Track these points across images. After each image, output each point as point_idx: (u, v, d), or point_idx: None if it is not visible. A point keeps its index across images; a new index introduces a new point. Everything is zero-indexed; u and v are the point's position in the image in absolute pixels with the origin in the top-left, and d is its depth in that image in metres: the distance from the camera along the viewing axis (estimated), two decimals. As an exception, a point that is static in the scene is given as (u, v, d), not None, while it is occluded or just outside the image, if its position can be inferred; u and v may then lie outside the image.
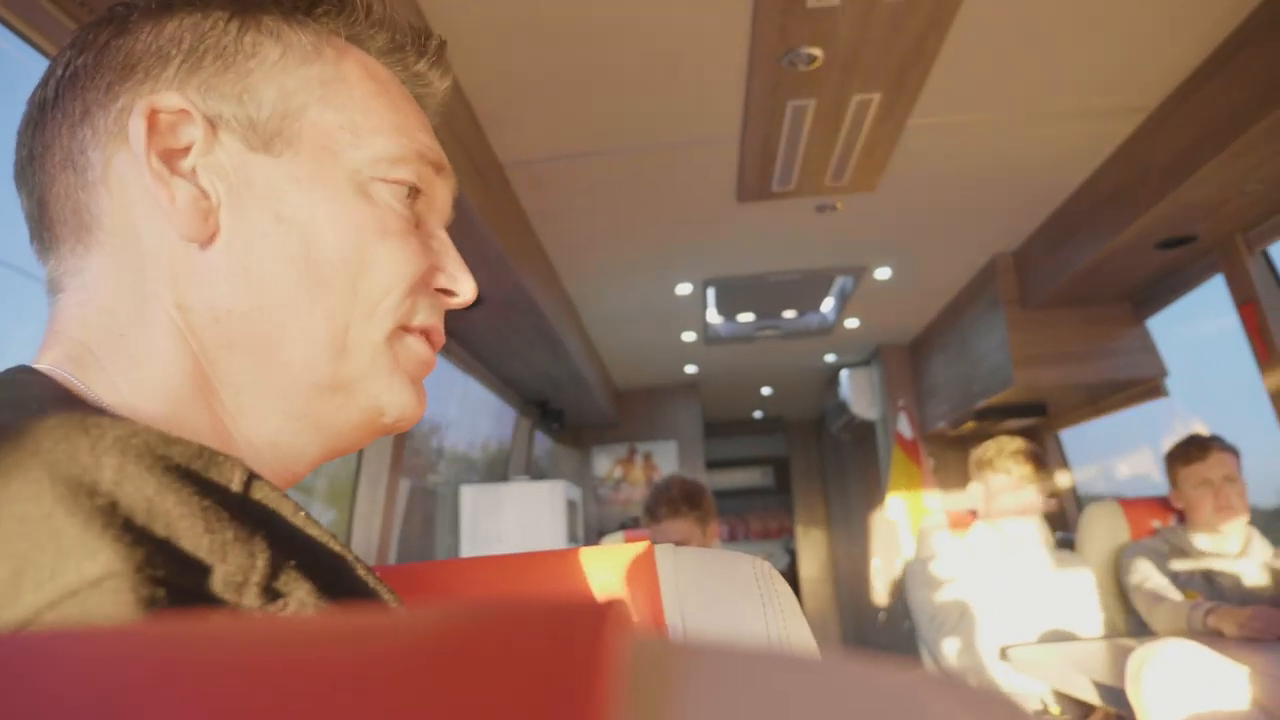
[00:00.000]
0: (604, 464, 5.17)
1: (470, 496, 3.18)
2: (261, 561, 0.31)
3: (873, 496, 5.16)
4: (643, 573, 0.53)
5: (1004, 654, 1.99)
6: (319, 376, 0.44)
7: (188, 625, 0.14)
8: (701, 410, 5.29)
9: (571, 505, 3.46)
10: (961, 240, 3.02)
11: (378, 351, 0.46)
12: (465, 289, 0.52)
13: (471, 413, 3.87)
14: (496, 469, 4.08)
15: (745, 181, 2.43)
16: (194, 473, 0.32)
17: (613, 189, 2.46)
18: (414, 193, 0.49)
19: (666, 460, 5.16)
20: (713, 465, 6.32)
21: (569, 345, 3.30)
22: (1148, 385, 3.13)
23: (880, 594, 5.26)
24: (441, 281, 0.51)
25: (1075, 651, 1.99)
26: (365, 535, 2.34)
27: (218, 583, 0.30)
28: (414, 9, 1.56)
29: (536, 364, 3.46)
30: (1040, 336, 3.07)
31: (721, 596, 0.52)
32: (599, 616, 0.13)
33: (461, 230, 2.01)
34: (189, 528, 0.30)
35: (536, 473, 4.32)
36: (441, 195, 0.53)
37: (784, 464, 7.37)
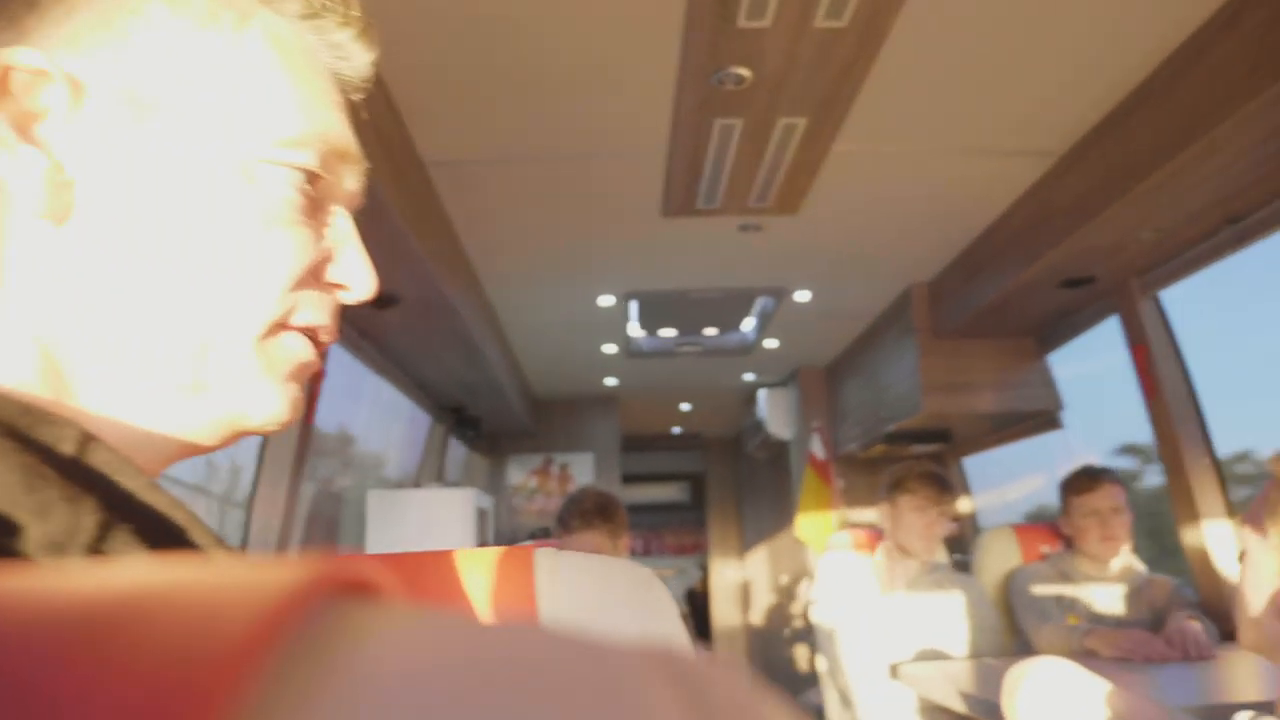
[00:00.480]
0: (519, 474, 5.12)
1: (377, 502, 3.11)
2: (89, 522, 0.29)
3: (785, 515, 5.24)
4: (518, 575, 0.52)
5: (895, 671, 2.04)
6: (179, 377, 0.40)
7: None
8: (620, 424, 5.30)
9: (482, 514, 3.41)
10: (879, 268, 3.10)
11: (247, 353, 0.42)
12: (362, 284, 0.47)
13: (383, 416, 3.78)
14: (407, 475, 4.00)
15: (671, 196, 2.44)
16: (18, 430, 0.30)
17: (538, 195, 2.45)
18: (312, 178, 0.44)
19: (583, 472, 5.14)
20: (629, 479, 6.32)
21: (487, 352, 3.26)
22: (1045, 417, 3.26)
23: (786, 611, 5.34)
24: (334, 275, 0.46)
25: (960, 669, 2.05)
26: (263, 539, 2.26)
27: (33, 542, 0.28)
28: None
29: (453, 369, 3.41)
30: (949, 366, 3.17)
31: (598, 602, 0.51)
32: (277, 588, 0.12)
33: (378, 228, 1.97)
34: (3, 483, 0.28)
35: (448, 480, 4.25)
36: (348, 181, 0.48)
37: (700, 480, 7.42)
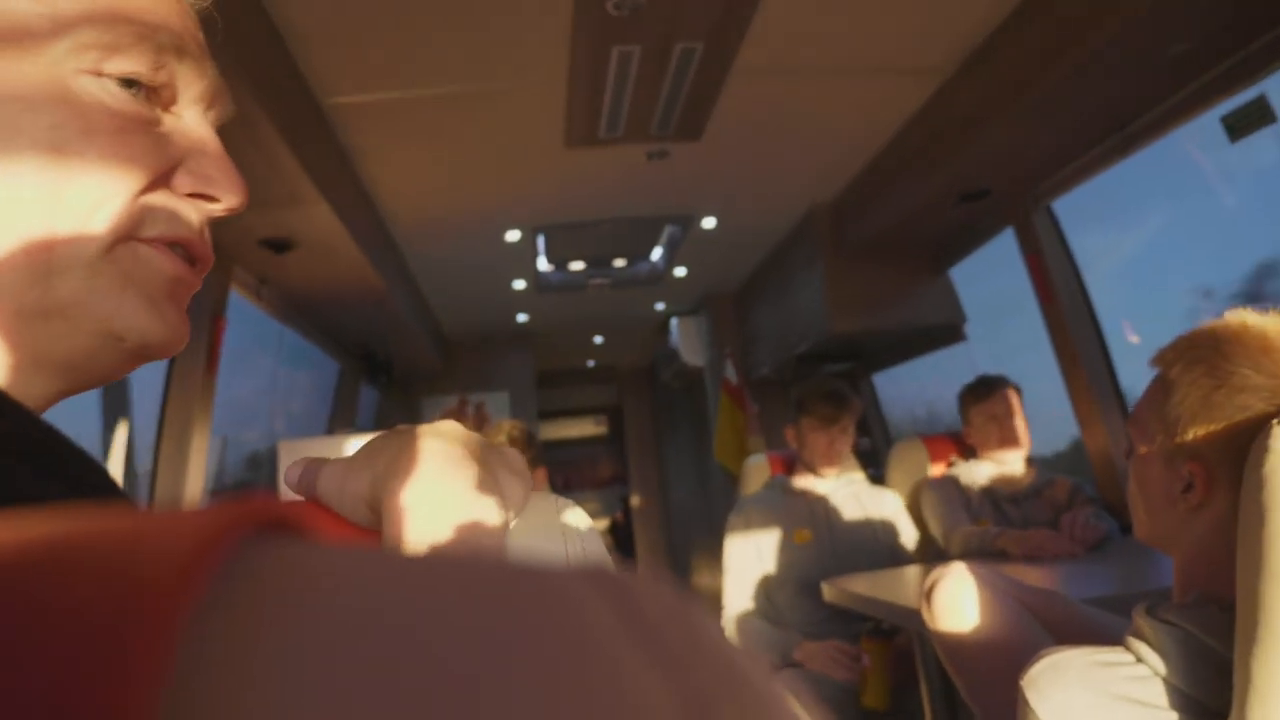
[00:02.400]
0: (434, 415, 5.06)
1: (289, 452, 3.03)
2: None
3: (703, 443, 5.34)
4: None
5: (823, 589, 2.12)
6: (24, 301, 0.38)
7: None
8: (534, 359, 5.27)
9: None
10: (782, 190, 3.12)
11: (94, 269, 0.40)
12: (227, 191, 0.44)
13: (290, 364, 3.67)
14: (318, 423, 3.91)
15: (573, 127, 2.40)
16: None
17: (438, 131, 2.37)
18: (147, 88, 0.42)
19: (499, 410, 5.12)
20: (545, 415, 6.33)
21: (394, 293, 3.18)
22: (950, 331, 3.38)
23: (706, 536, 5.48)
24: (192, 185, 0.43)
25: (880, 579, 2.15)
26: (171, 492, 2.19)
27: None
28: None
29: (360, 313, 3.32)
30: (853, 284, 3.24)
31: (520, 531, 0.51)
32: (199, 527, 0.12)
33: (271, 170, 1.88)
34: None
35: (362, 426, 4.18)
36: (195, 85, 0.44)
37: (617, 413, 7.48)
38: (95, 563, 0.11)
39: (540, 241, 3.53)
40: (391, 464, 0.42)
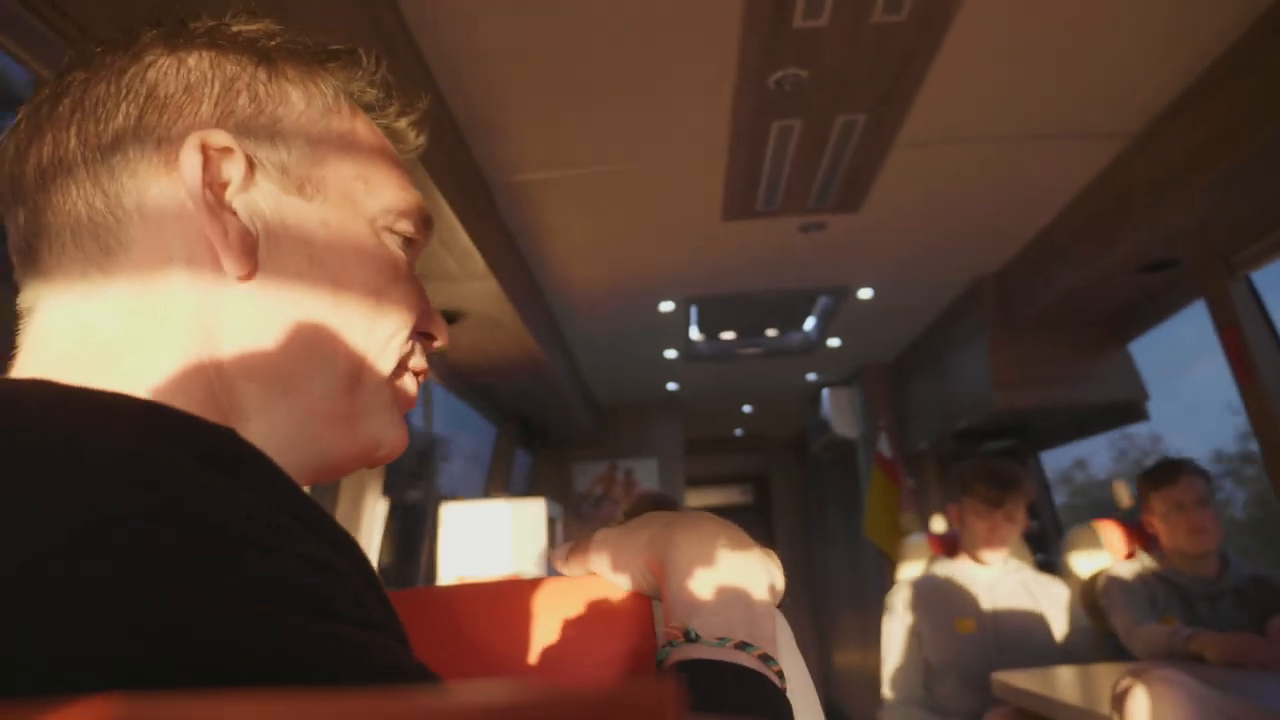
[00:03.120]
0: (585, 480, 5.13)
1: (450, 514, 3.14)
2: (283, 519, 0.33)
3: (853, 517, 5.16)
4: (638, 608, 0.52)
5: (993, 685, 1.98)
6: (334, 407, 0.46)
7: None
8: (682, 427, 5.28)
9: (552, 523, 3.42)
10: (945, 261, 3.03)
11: (382, 388, 0.49)
12: (444, 335, 0.55)
13: (453, 429, 3.83)
14: (477, 486, 4.04)
15: (730, 200, 2.42)
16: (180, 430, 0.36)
17: (597, 206, 2.45)
18: (409, 243, 0.52)
19: (648, 477, 5.14)
20: (693, 482, 6.30)
21: (551, 362, 3.28)
22: (1129, 408, 3.15)
23: (860, 618, 5.25)
24: (428, 326, 0.53)
25: (1057, 676, 1.98)
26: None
27: (228, 531, 0.31)
28: (399, 21, 1.54)
29: (518, 381, 3.43)
30: (1021, 359, 3.08)
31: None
32: (652, 704, 0.13)
33: (446, 245, 1.99)
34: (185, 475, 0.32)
35: (517, 490, 4.29)
36: (423, 247, 0.56)
37: (764, 482, 7.36)
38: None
39: (693, 312, 3.56)
40: (670, 526, 0.47)
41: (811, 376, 4.84)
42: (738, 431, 6.78)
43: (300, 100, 0.48)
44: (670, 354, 4.15)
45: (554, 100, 1.88)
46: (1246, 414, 2.34)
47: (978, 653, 2.25)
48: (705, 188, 2.36)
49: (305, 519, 0.35)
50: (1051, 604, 2.34)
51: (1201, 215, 2.06)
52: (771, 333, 4.03)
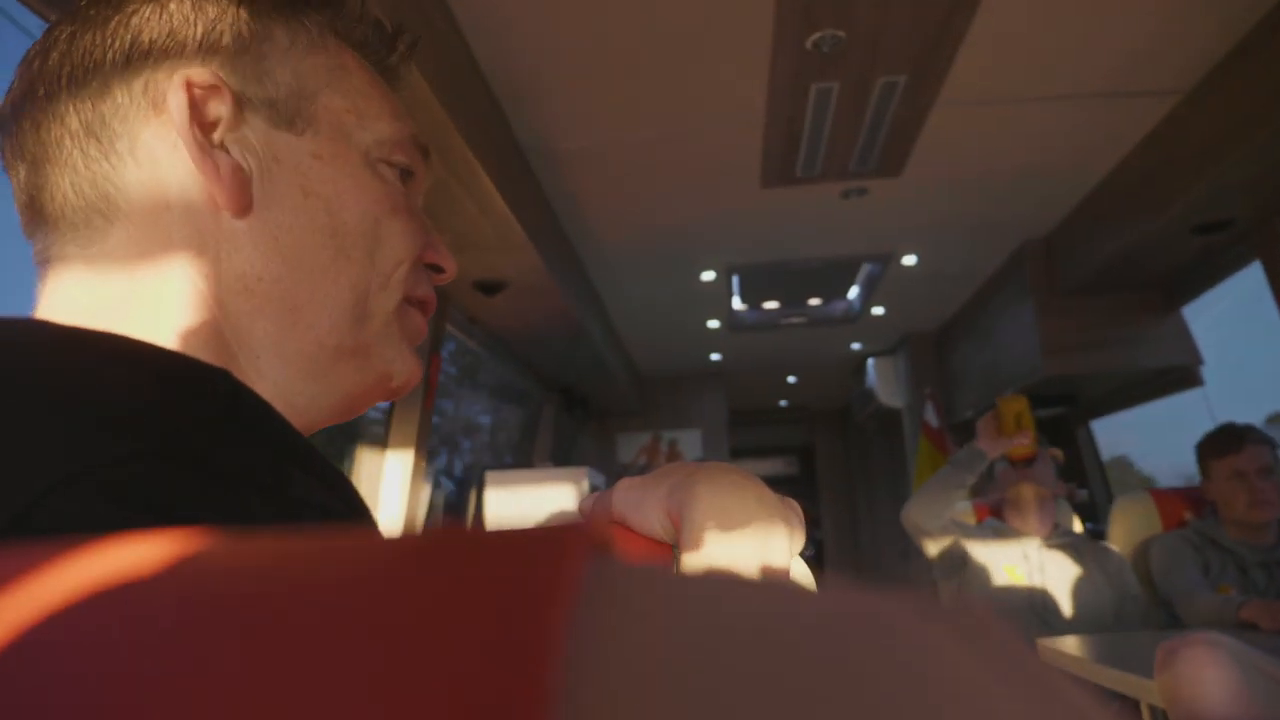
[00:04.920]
0: (628, 451, 5.17)
1: (493, 482, 3.20)
2: (264, 455, 0.33)
3: (899, 486, 5.13)
4: (657, 562, 0.53)
5: (1038, 649, 1.96)
6: (341, 339, 0.47)
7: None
8: (726, 398, 5.28)
9: (595, 491, 3.47)
10: (990, 226, 2.97)
11: (389, 318, 0.49)
12: (451, 266, 0.55)
13: (494, 397, 3.88)
14: (521, 454, 4.10)
15: (769, 166, 2.41)
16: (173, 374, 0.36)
17: (636, 174, 2.45)
18: (407, 174, 0.52)
19: (691, 448, 5.16)
20: (737, 453, 6.30)
21: (592, 332, 3.30)
22: (1182, 374, 3.07)
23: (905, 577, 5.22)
24: (433, 258, 0.54)
25: (1105, 643, 1.96)
26: (390, 519, 2.36)
27: (218, 470, 0.31)
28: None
29: (559, 350, 3.46)
30: (1070, 324, 3.02)
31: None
32: (557, 541, 0.13)
33: (483, 213, 2.01)
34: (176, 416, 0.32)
35: (560, 459, 4.33)
36: (424, 179, 0.56)
37: (809, 452, 7.33)
38: (485, 555, 0.12)
39: (735, 281, 3.54)
40: (691, 476, 0.47)
41: (856, 346, 4.80)
42: (782, 403, 6.76)
43: (285, 37, 0.48)
44: (713, 324, 4.14)
45: (589, 67, 1.88)
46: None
47: (1023, 603, 2.24)
48: (744, 154, 2.35)
49: (299, 459, 0.36)
50: (1105, 570, 2.30)
51: (1256, 173, 2.00)
52: (815, 302, 4.00)
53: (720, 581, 0.14)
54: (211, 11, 0.47)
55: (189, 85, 0.44)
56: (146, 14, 0.46)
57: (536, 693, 0.10)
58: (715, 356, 4.87)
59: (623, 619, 0.12)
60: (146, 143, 0.44)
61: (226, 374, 0.37)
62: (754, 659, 0.11)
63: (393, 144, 0.51)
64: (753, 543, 0.45)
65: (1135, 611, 2.26)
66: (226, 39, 0.46)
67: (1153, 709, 1.58)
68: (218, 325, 0.44)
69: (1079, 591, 2.27)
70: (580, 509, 0.55)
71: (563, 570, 0.12)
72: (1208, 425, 2.30)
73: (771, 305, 4.02)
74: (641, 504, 0.50)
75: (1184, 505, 2.47)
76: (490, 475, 3.19)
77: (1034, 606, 2.25)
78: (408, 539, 0.14)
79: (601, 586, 0.13)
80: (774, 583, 0.15)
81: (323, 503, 0.34)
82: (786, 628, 0.12)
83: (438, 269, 0.54)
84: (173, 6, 0.46)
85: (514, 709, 0.10)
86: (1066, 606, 2.24)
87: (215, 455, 0.31)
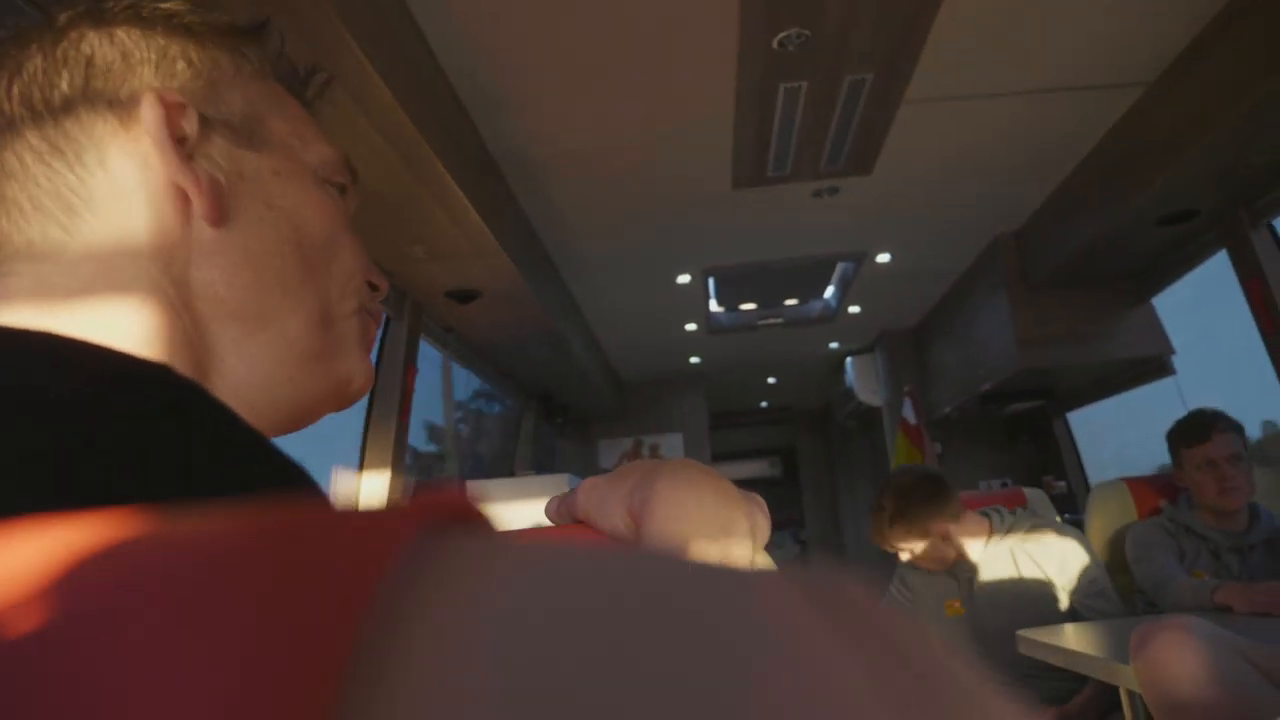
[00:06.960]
0: (610, 456, 5.16)
1: (474, 491, 3.18)
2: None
3: (879, 482, 5.14)
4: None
5: (1018, 640, 1.97)
6: (309, 344, 0.48)
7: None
8: (707, 401, 5.28)
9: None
10: (962, 222, 3.00)
11: (350, 323, 0.52)
12: (385, 285, 0.58)
13: (476, 407, 3.86)
14: (502, 464, 4.08)
15: (740, 167, 2.41)
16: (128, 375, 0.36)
17: (608, 180, 2.45)
18: (343, 193, 0.55)
19: (673, 452, 5.15)
20: (719, 457, 6.31)
21: (570, 338, 3.29)
22: (1154, 364, 3.11)
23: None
24: (371, 276, 0.56)
25: (1082, 631, 1.97)
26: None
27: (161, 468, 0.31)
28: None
29: (538, 358, 3.45)
30: (1044, 317, 3.05)
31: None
32: (380, 521, 0.13)
33: (454, 222, 2.01)
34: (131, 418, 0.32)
35: (542, 467, 4.32)
36: (354, 200, 0.59)
37: (791, 454, 7.35)
38: (320, 541, 0.13)
39: (711, 284, 3.55)
40: (651, 473, 0.48)
41: (834, 345, 4.82)
42: (763, 404, 6.77)
43: (230, 65, 0.51)
44: (691, 327, 4.15)
45: (557, 74, 1.88)
46: (1273, 367, 2.30)
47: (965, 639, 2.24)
48: (714, 156, 2.35)
49: (249, 451, 0.36)
50: (1053, 564, 2.26)
51: (1219, 163, 2.03)
52: (791, 302, 4.02)
53: (559, 550, 0.14)
54: (159, 40, 0.49)
55: (161, 99, 0.45)
56: (94, 40, 0.47)
57: (315, 676, 0.10)
58: (695, 359, 4.87)
59: (440, 595, 0.12)
60: (115, 155, 0.45)
61: (168, 369, 0.37)
62: (570, 628, 0.12)
63: (333, 165, 0.53)
64: (712, 538, 0.45)
65: (1097, 605, 2.19)
66: (180, 65, 0.49)
67: (1130, 694, 1.59)
68: (185, 331, 0.45)
69: (1012, 605, 2.23)
70: (547, 511, 0.56)
71: (373, 551, 0.12)
72: (1180, 412, 2.32)
73: (748, 306, 4.03)
74: (604, 503, 0.50)
75: (1158, 493, 2.50)
76: (471, 486, 3.17)
77: (976, 634, 2.24)
78: (256, 520, 0.14)
79: (425, 563, 0.13)
80: (615, 550, 0.15)
81: (276, 495, 0.33)
82: (601, 594, 0.13)
83: (373, 287, 0.57)
84: (120, 34, 0.48)
85: (292, 692, 0.10)
86: (1004, 623, 2.18)
87: (147, 447, 0.31)
